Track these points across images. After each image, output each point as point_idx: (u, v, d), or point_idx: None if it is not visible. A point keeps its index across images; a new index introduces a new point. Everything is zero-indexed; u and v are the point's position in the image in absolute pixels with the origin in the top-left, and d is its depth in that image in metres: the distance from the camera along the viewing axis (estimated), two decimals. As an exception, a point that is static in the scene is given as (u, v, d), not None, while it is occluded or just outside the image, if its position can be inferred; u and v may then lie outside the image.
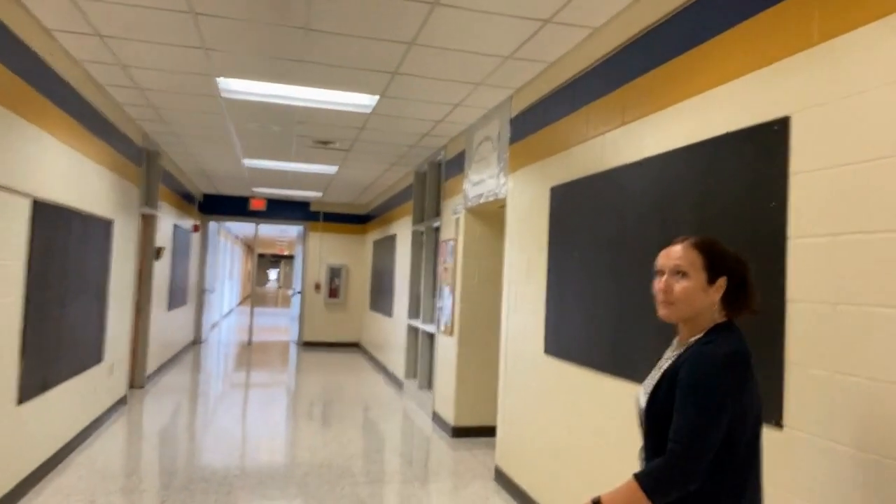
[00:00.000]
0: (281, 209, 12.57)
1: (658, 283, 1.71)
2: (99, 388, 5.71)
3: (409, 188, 8.63)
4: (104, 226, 5.55)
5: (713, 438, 1.52)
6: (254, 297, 13.38)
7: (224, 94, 5.28)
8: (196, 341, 12.27)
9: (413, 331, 8.13)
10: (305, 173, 9.16)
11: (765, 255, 2.20)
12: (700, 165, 2.62)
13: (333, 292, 12.81)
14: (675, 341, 1.77)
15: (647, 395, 1.70)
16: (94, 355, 5.50)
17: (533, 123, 4.42)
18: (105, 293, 5.69)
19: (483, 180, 5.49)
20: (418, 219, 8.17)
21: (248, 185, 10.97)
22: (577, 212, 3.68)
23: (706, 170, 2.58)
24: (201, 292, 12.31)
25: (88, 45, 4.28)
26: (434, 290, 7.38)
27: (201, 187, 11.53)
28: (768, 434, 1.95)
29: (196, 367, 9.95)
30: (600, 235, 3.40)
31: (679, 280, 1.66)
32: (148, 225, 7.63)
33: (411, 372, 8.13)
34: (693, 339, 1.67)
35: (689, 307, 1.65)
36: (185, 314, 10.80)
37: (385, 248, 10.37)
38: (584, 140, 3.65)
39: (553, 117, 4.09)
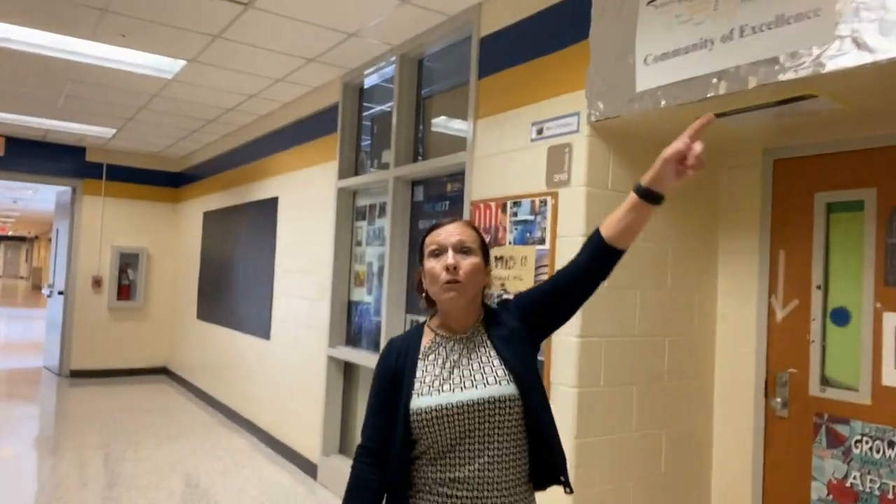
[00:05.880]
0: (32, 156, 7.64)
1: (445, 260, 1.45)
2: None
3: (318, 116, 4.92)
4: None
5: None
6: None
7: None
8: None
9: (341, 369, 4.50)
10: (115, 71, 4.84)
11: None
12: None
13: (125, 291, 8.22)
14: (434, 332, 1.53)
15: (498, 385, 1.44)
16: None
17: None
18: None
19: (707, 43, 2.25)
20: (349, 168, 4.55)
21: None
22: None
23: None
24: None
25: None
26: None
27: None
28: None
29: None
30: None
31: (465, 257, 1.47)
32: None
33: (334, 446, 4.49)
34: (478, 323, 1.52)
35: (475, 288, 1.49)
36: None
37: (241, 221, 6.36)
38: None
39: None
